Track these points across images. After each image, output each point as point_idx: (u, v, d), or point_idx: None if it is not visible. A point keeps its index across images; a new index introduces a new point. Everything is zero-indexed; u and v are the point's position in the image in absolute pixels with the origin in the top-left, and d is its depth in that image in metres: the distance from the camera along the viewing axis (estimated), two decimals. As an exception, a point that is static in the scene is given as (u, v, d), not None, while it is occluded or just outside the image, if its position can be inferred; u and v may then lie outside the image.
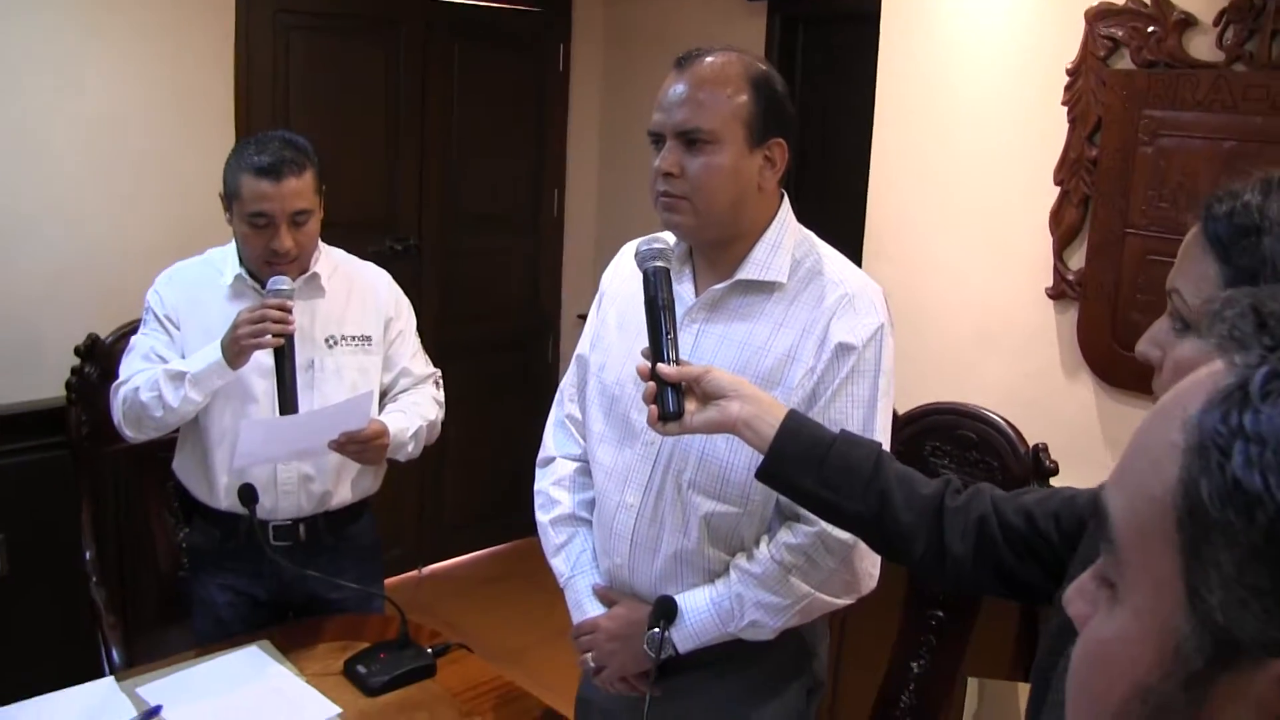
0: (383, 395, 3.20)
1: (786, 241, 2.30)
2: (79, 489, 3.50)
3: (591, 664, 2.44)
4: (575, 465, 2.58)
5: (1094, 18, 3.52)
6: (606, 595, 2.45)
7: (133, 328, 3.39)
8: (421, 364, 3.30)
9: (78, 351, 3.50)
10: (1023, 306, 3.79)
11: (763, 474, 1.97)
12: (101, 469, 3.56)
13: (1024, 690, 2.46)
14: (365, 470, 3.19)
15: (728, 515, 2.27)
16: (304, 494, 3.09)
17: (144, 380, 2.94)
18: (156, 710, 2.56)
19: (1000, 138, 3.81)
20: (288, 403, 2.85)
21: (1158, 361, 1.52)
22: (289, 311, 2.85)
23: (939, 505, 1.89)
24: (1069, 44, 3.59)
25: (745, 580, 2.26)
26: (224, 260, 3.14)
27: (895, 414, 2.50)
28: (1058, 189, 3.66)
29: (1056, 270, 3.68)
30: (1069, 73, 3.59)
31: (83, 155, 4.38)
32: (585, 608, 2.47)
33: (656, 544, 2.33)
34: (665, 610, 2.28)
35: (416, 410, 3.17)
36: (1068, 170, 3.62)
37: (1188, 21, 3.33)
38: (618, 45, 6.28)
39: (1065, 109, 3.61)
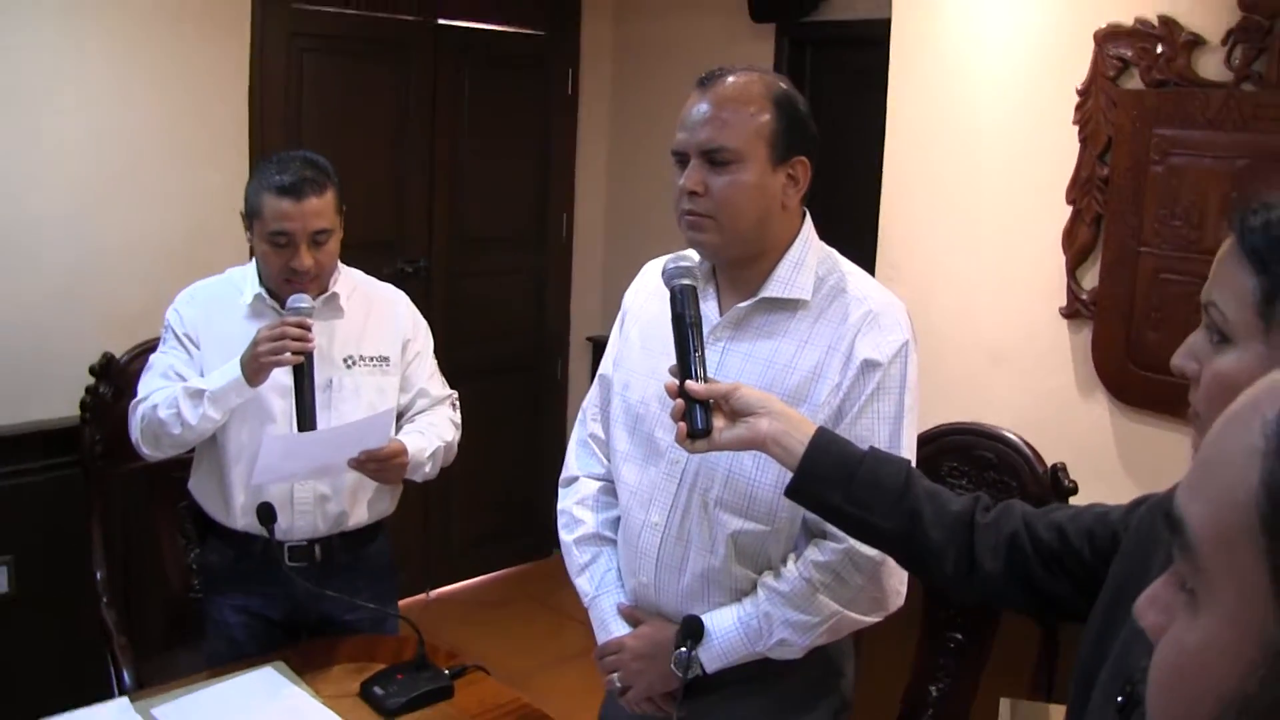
0: (400, 416, 3.19)
1: (810, 259, 2.31)
2: (90, 509, 3.50)
3: (617, 684, 2.43)
4: (599, 484, 2.57)
5: (1103, 39, 3.54)
6: (632, 614, 2.44)
7: (148, 347, 3.41)
8: (439, 385, 3.30)
9: (93, 370, 3.51)
10: (1036, 326, 3.79)
11: (792, 491, 1.97)
12: (113, 489, 3.55)
13: (1056, 711, 2.46)
14: (382, 491, 3.19)
15: (755, 533, 2.27)
16: (320, 514, 3.08)
17: (163, 398, 2.94)
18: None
19: (1011, 158, 3.81)
20: (306, 420, 2.85)
21: (1194, 375, 1.51)
22: (308, 329, 2.85)
23: (970, 521, 1.89)
24: (1078, 64, 3.60)
25: (773, 598, 2.25)
26: (244, 279, 3.14)
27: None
28: (1070, 208, 3.66)
29: (1070, 289, 3.68)
30: (1079, 93, 3.60)
31: (98, 174, 4.39)
32: (610, 627, 2.45)
33: (682, 563, 2.32)
34: (692, 630, 2.27)
35: (434, 431, 3.17)
36: (1079, 189, 3.63)
37: (1196, 41, 3.35)
38: (625, 68, 6.31)
39: (1076, 129, 3.62)
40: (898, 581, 2.31)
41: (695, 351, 2.03)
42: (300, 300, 2.91)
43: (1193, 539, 0.80)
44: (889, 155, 4.19)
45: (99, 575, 3.46)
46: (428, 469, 3.12)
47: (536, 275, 6.38)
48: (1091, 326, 3.64)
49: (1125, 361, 3.54)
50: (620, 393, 2.48)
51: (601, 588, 2.49)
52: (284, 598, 3.12)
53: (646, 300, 2.50)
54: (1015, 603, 2.00)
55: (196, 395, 2.90)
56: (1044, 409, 3.75)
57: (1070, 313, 3.69)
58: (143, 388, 3.05)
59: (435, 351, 3.33)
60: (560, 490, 2.65)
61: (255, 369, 2.85)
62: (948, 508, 1.90)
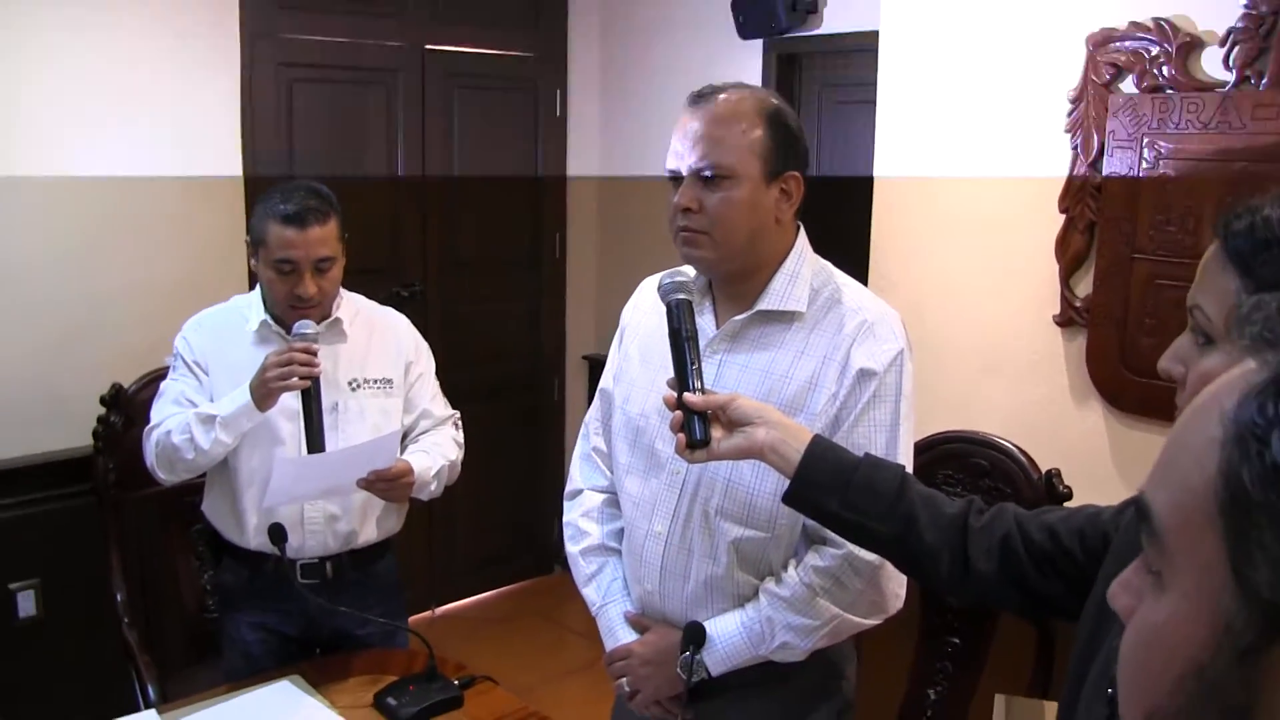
0: (404, 437, 3.24)
1: (804, 271, 2.35)
2: (107, 534, 3.57)
3: (626, 689, 2.47)
4: (603, 497, 2.61)
5: (1095, 43, 3.54)
6: (639, 621, 2.48)
7: (155, 376, 3.50)
8: (441, 406, 3.36)
9: (103, 401, 3.57)
10: (1030, 333, 3.81)
11: (789, 498, 2.00)
12: (128, 515, 3.62)
13: (1050, 709, 2.49)
14: (389, 510, 3.25)
15: (755, 540, 2.31)
16: (330, 533, 3.15)
17: (176, 424, 3.02)
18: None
19: (1004, 166, 3.83)
20: (315, 443, 2.92)
21: (1181, 378, 1.55)
22: (314, 355, 2.92)
23: (963, 525, 1.92)
24: (1071, 70, 3.61)
25: (775, 603, 2.30)
26: (249, 306, 3.20)
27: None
28: (1063, 216, 3.67)
29: (1064, 297, 3.69)
30: (1071, 99, 3.61)
31: (97, 209, 4.47)
32: (618, 634, 2.49)
33: (686, 570, 2.37)
34: (694, 635, 2.32)
35: (438, 450, 3.23)
36: (1072, 197, 3.64)
37: (1193, 43, 3.34)
38: (614, 88, 6.35)
39: (1068, 135, 3.64)
40: (896, 585, 2.35)
41: (692, 364, 2.07)
42: (306, 326, 2.98)
43: (1158, 524, 0.86)
44: (879, 167, 4.21)
45: (119, 597, 3.53)
46: (433, 487, 3.18)
47: (531, 296, 6.42)
48: (1086, 333, 3.65)
49: (1119, 368, 3.55)
50: (621, 406, 2.52)
51: (608, 596, 2.54)
52: (298, 614, 3.18)
53: (644, 316, 2.55)
54: (1009, 603, 2.03)
55: (208, 421, 2.97)
56: (1038, 416, 3.77)
57: (1064, 320, 3.70)
58: (155, 414, 3.12)
59: (433, 374, 3.39)
60: (565, 503, 2.69)
61: (264, 394, 2.92)
62: (942, 511, 1.94)
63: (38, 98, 4.26)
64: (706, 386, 2.09)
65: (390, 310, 3.40)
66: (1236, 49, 3.27)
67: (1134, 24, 3.46)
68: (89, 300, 4.46)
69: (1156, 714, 0.86)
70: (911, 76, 4.09)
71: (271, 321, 3.13)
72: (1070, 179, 3.66)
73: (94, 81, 4.41)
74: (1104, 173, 3.57)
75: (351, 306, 3.26)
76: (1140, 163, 3.48)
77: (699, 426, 2.02)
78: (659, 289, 2.19)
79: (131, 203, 4.54)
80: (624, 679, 2.47)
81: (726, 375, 2.32)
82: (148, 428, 3.12)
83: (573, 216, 6.48)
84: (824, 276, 2.39)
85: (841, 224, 4.23)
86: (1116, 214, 3.53)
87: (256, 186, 4.74)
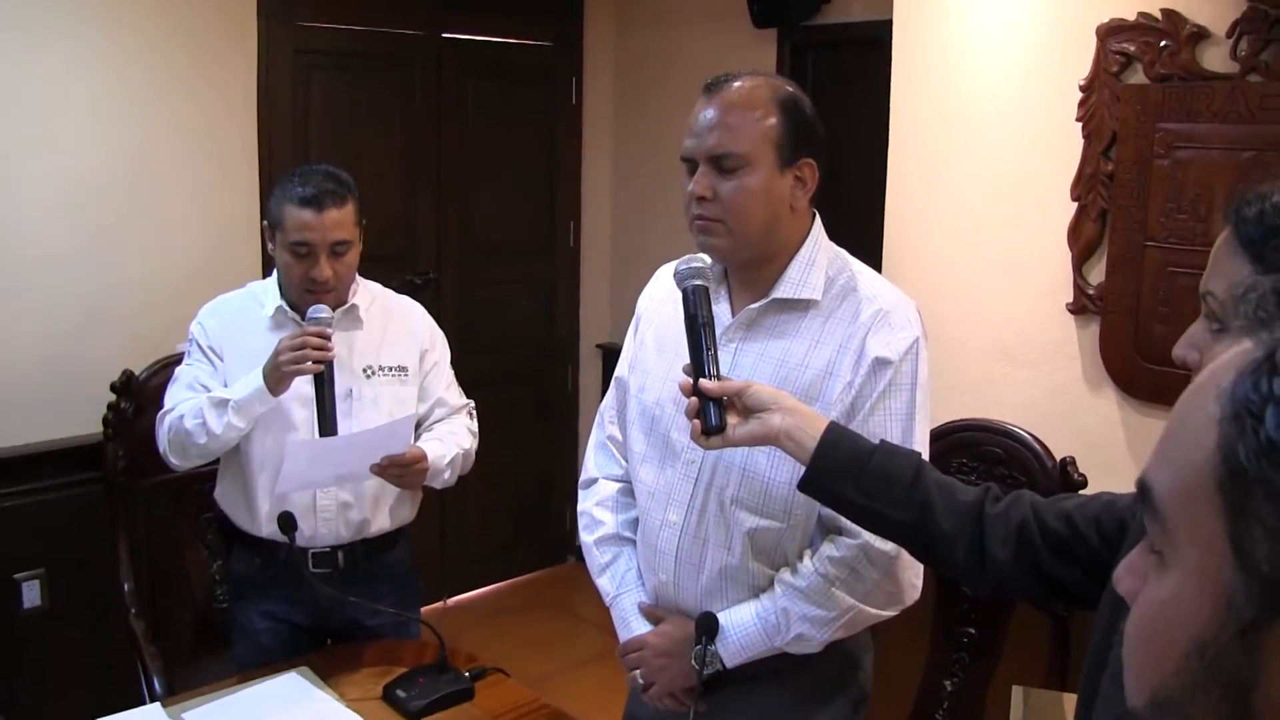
0: (418, 425, 3.24)
1: (820, 259, 2.34)
2: (115, 523, 3.56)
3: (640, 680, 2.46)
4: (618, 486, 2.60)
5: (1105, 33, 3.54)
6: (652, 613, 2.47)
7: (167, 363, 3.50)
8: (456, 395, 3.36)
9: (114, 388, 3.57)
10: (1043, 322, 3.81)
11: (805, 485, 2.00)
12: (137, 503, 3.60)
13: (1069, 700, 2.48)
14: (403, 498, 3.24)
15: (771, 530, 2.30)
16: (342, 521, 3.14)
17: (189, 408, 3.01)
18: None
19: (1016, 155, 3.83)
20: (328, 427, 2.91)
21: (1196, 364, 1.54)
22: (328, 339, 2.91)
23: (979, 512, 1.91)
24: (1081, 60, 3.61)
25: (790, 594, 2.29)
26: (265, 292, 3.20)
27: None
28: (1075, 204, 3.68)
29: (1076, 285, 3.70)
30: (1082, 89, 3.61)
31: (110, 197, 4.45)
32: (632, 625, 2.48)
33: (701, 560, 2.35)
34: (708, 627, 2.30)
35: (453, 439, 3.22)
36: (1084, 185, 3.64)
37: (1200, 34, 3.35)
38: (629, 76, 6.34)
39: (1080, 125, 3.64)
40: (913, 575, 2.33)
41: (708, 350, 2.06)
42: (320, 310, 2.98)
43: (1159, 503, 0.86)
44: (893, 156, 4.21)
45: (127, 587, 3.52)
46: (446, 475, 3.18)
47: (545, 284, 6.42)
48: (1099, 322, 3.65)
49: (1133, 355, 3.55)
50: (636, 395, 2.51)
51: (622, 587, 2.53)
52: (309, 603, 3.17)
53: (660, 304, 2.54)
54: (1026, 591, 2.02)
55: (221, 405, 2.97)
56: (1052, 404, 3.77)
57: (1077, 308, 3.70)
58: (169, 399, 3.12)
59: (448, 362, 3.39)
60: (580, 492, 2.68)
61: (277, 378, 2.91)
62: (958, 498, 1.93)
63: (55, 85, 4.25)
64: (722, 373, 2.08)
65: (406, 298, 3.40)
66: (1243, 41, 3.28)
67: (1143, 15, 3.47)
68: (103, 288, 4.45)
69: (1161, 693, 0.86)
70: (924, 66, 4.09)
71: (287, 307, 3.13)
72: (1082, 167, 3.66)
73: (110, 68, 4.40)
74: (1115, 161, 3.57)
75: (368, 293, 3.26)
76: (1151, 151, 3.47)
77: (714, 413, 2.01)
78: (675, 275, 2.18)
79: (147, 191, 4.53)
80: (638, 671, 2.46)
81: (741, 363, 2.30)
82: (161, 412, 3.12)
83: (587, 205, 6.48)
84: (839, 264, 2.37)
85: (854, 213, 4.23)
86: (1128, 202, 3.54)
87: (272, 175, 4.75)
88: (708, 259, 2.27)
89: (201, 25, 4.63)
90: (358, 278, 3.22)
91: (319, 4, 5.17)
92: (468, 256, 5.94)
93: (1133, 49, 3.49)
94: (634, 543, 2.56)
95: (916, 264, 4.13)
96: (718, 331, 2.18)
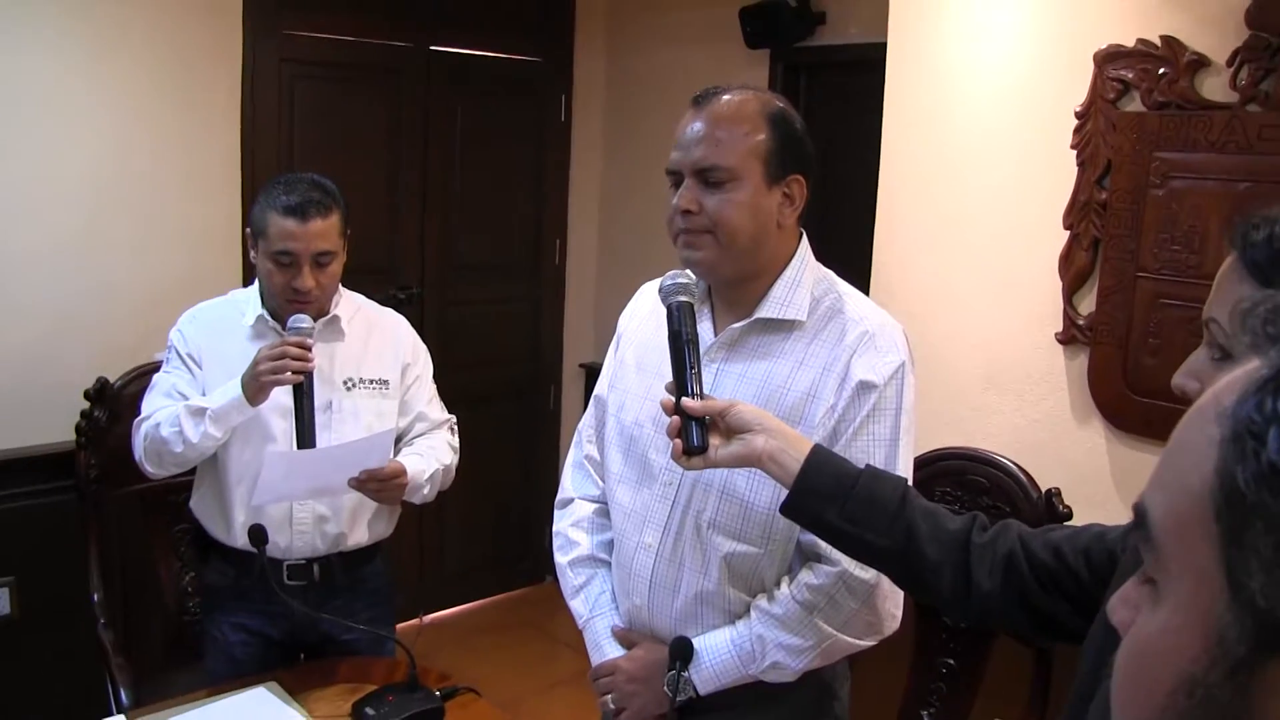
0: (399, 439, 3.21)
1: (806, 279, 2.30)
2: (86, 532, 3.52)
3: (611, 705, 2.42)
4: (594, 506, 2.57)
5: (1103, 60, 3.51)
6: (626, 636, 2.43)
7: (143, 371, 3.48)
8: (437, 410, 3.33)
9: (87, 395, 3.53)
10: (1032, 351, 3.78)
11: (787, 508, 1.96)
12: (109, 512, 3.58)
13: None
14: (380, 513, 3.21)
15: (748, 555, 2.25)
16: (319, 534, 3.11)
17: (165, 416, 2.98)
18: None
19: (1009, 181, 3.80)
20: (306, 439, 2.88)
21: (1195, 394, 1.49)
22: (308, 350, 2.88)
23: (966, 541, 1.88)
24: (1077, 86, 3.58)
25: (766, 621, 2.24)
26: (246, 301, 3.18)
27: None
28: (1067, 232, 3.64)
29: (1066, 315, 3.66)
30: (1078, 115, 3.58)
31: (91, 201, 4.40)
32: (604, 649, 2.44)
33: (676, 585, 2.31)
34: (681, 651, 2.26)
35: (433, 454, 3.20)
36: (1077, 214, 3.61)
37: (1200, 62, 3.32)
38: (619, 95, 6.32)
39: (1074, 152, 3.60)
40: (892, 605, 2.29)
41: (691, 369, 2.02)
42: (301, 320, 2.95)
43: (1154, 529, 0.82)
44: (884, 179, 4.18)
45: (96, 597, 3.49)
46: (426, 491, 3.15)
47: (529, 303, 6.38)
48: (1088, 352, 3.62)
49: (1122, 387, 3.52)
50: (615, 414, 2.48)
51: (596, 610, 2.49)
52: (283, 616, 3.14)
53: (641, 323, 2.50)
54: (1012, 623, 1.98)
55: (198, 413, 2.93)
56: (1039, 434, 3.74)
57: (1066, 338, 3.67)
58: (146, 406, 3.09)
59: (428, 378, 3.36)
60: (555, 512, 2.64)
61: (256, 388, 2.88)
62: (944, 526, 1.89)
63: (35, 87, 4.21)
64: (705, 392, 2.04)
65: (390, 311, 3.37)
66: (1243, 70, 3.25)
67: (1142, 41, 3.44)
68: (80, 294, 4.39)
69: None
70: (918, 89, 4.07)
71: (268, 316, 3.10)
72: (1075, 195, 3.63)
73: (93, 72, 4.35)
74: (1109, 190, 3.54)
75: (351, 305, 3.23)
76: (1146, 180, 3.44)
77: (697, 433, 1.97)
78: (660, 290, 2.14)
79: (125, 197, 4.48)
80: (609, 695, 2.42)
81: (723, 384, 2.26)
82: (137, 419, 3.08)
83: (573, 224, 6.45)
84: (826, 285, 2.34)
85: (844, 236, 4.21)
86: (1121, 232, 3.51)
87: (254, 183, 4.71)
88: (693, 275, 2.23)
89: (185, 31, 4.59)
90: (341, 289, 3.20)
91: (306, 13, 5.13)
92: (451, 272, 5.90)
93: (1130, 76, 3.46)
94: (609, 565, 2.52)
95: (905, 289, 4.10)
96: (700, 349, 2.13)
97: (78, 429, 3.53)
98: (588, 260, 6.53)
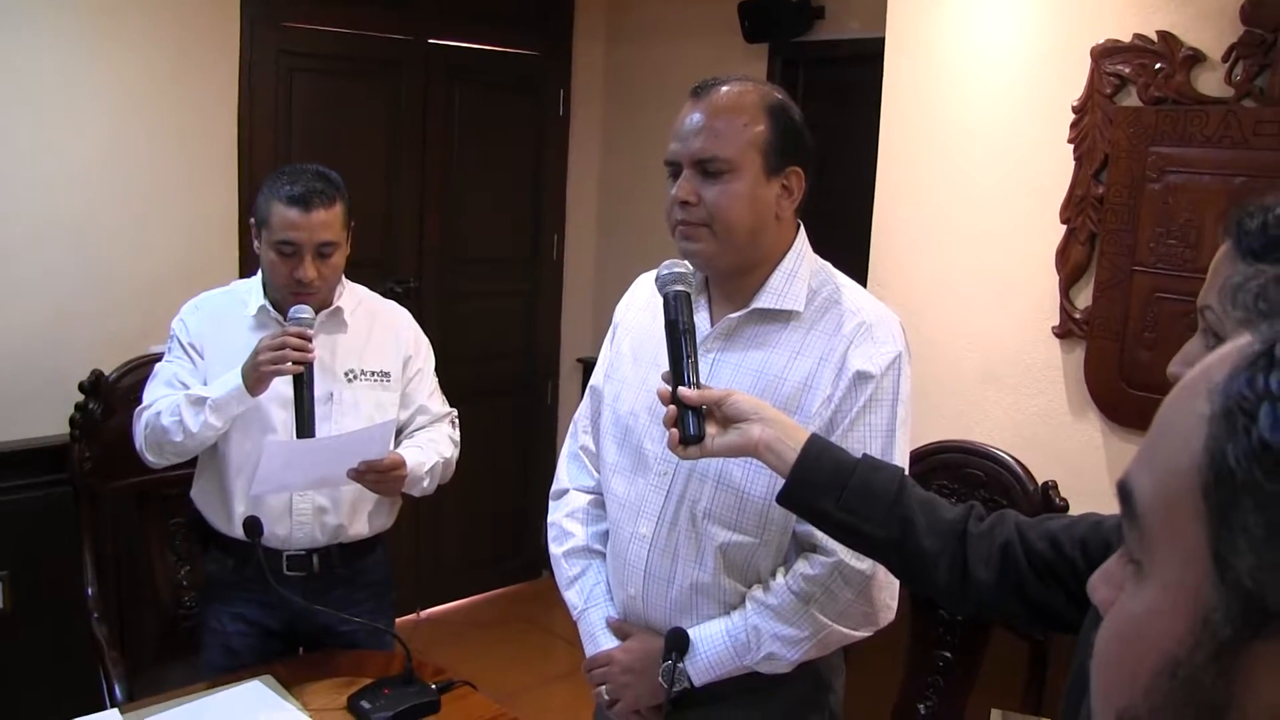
0: (399, 432, 3.21)
1: (803, 270, 2.29)
2: (81, 526, 3.51)
3: (606, 696, 2.41)
4: (589, 497, 2.56)
5: (1100, 55, 3.51)
6: (620, 628, 2.42)
7: (138, 364, 3.48)
8: (438, 403, 3.33)
9: (82, 388, 3.52)
10: (1029, 344, 3.78)
11: (784, 497, 1.95)
12: (104, 505, 3.56)
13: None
14: (380, 506, 3.21)
15: (744, 545, 2.25)
16: (318, 525, 3.11)
17: (166, 405, 2.99)
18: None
19: (1006, 175, 3.80)
20: (305, 430, 2.88)
21: None
22: (309, 340, 2.88)
23: (962, 531, 1.87)
24: (1075, 81, 3.58)
25: (761, 612, 2.24)
26: (249, 291, 3.18)
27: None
28: (1064, 227, 3.64)
29: (1063, 309, 3.66)
30: (1075, 110, 3.58)
31: (87, 193, 4.39)
32: (599, 640, 2.43)
33: (671, 575, 2.31)
34: (677, 642, 2.26)
35: (433, 447, 3.20)
36: (1074, 208, 3.61)
37: (1196, 58, 3.32)
38: (618, 89, 6.31)
39: (1071, 146, 3.61)
40: (888, 596, 2.29)
41: (688, 358, 2.01)
42: (302, 311, 2.95)
43: (1139, 508, 0.80)
44: (882, 173, 4.18)
45: (90, 591, 3.47)
46: (425, 484, 3.15)
47: (527, 296, 6.38)
48: (1085, 346, 3.62)
49: (1118, 381, 3.52)
50: (610, 404, 2.47)
51: (590, 601, 2.48)
52: (282, 607, 3.13)
53: (638, 313, 2.50)
54: (1008, 613, 1.98)
55: (199, 403, 2.94)
56: (1036, 428, 3.74)
57: (1063, 332, 3.67)
58: (147, 395, 3.09)
59: (428, 371, 3.35)
60: (550, 503, 2.64)
61: (256, 378, 2.88)
62: (941, 516, 1.89)
63: (31, 77, 4.20)
64: (702, 382, 2.03)
65: (393, 304, 3.37)
66: (1239, 65, 3.26)
67: (1139, 36, 3.44)
68: (75, 285, 4.39)
69: (1128, 712, 0.79)
70: (916, 84, 4.06)
71: (270, 307, 3.10)
72: (1072, 190, 3.63)
73: (91, 63, 4.34)
74: (1106, 184, 3.54)
75: (354, 297, 3.23)
76: (1143, 175, 3.44)
77: (693, 422, 1.96)
78: (656, 280, 2.13)
79: (122, 187, 4.47)
80: (603, 686, 2.42)
81: (720, 374, 2.26)
82: (138, 409, 3.09)
83: (572, 218, 6.44)
84: (823, 276, 2.33)
85: (841, 230, 4.19)
86: (1118, 226, 3.51)
87: (252, 175, 4.72)
88: (690, 265, 2.22)
89: (183, 22, 4.58)
90: (344, 280, 3.20)
91: (304, 5, 5.14)
92: (449, 266, 5.90)
93: (1127, 71, 3.46)
94: (604, 555, 2.51)
95: (902, 282, 4.09)
96: (697, 339, 2.13)
97: (72, 422, 3.51)
98: (586, 255, 6.52)
